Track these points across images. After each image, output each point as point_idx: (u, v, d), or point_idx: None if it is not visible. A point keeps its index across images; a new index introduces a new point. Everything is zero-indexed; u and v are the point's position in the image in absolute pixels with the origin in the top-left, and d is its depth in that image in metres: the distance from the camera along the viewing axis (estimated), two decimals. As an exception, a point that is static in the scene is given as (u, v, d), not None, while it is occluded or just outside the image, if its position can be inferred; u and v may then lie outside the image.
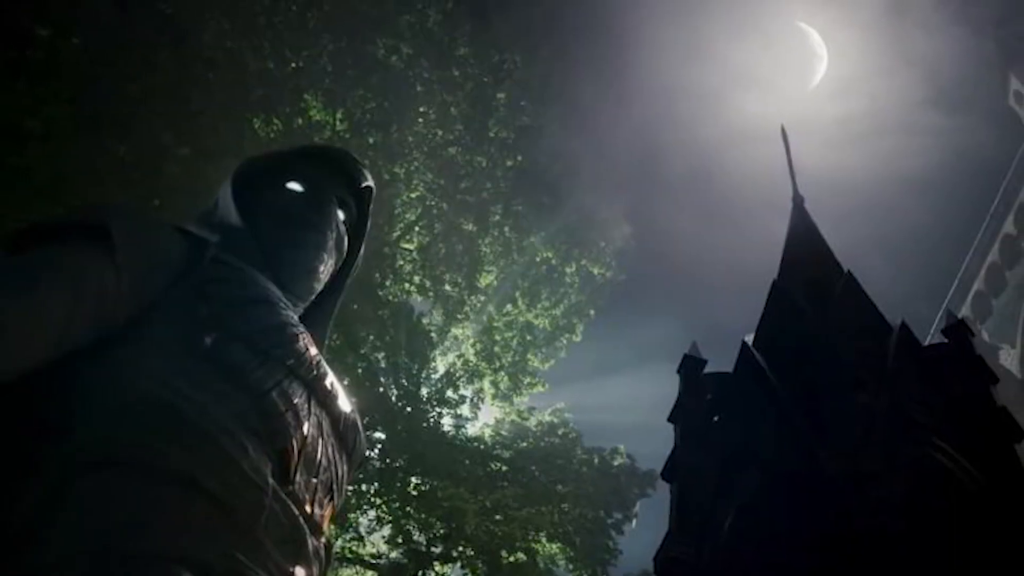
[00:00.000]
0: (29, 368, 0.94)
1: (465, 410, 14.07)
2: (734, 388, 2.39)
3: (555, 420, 15.28)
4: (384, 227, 12.04)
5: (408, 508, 11.91)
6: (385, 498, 12.09)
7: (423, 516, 11.72)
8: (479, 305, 14.44)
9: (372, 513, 12.24)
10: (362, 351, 12.09)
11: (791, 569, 1.83)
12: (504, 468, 13.95)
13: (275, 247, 1.35)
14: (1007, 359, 19.15)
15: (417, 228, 13.82)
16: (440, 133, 13.40)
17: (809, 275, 2.78)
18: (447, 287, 13.91)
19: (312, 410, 1.18)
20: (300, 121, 10.87)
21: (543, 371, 15.46)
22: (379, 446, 12.03)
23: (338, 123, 11.82)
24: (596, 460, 14.59)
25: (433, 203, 13.63)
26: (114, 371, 1.00)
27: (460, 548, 11.71)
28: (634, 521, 14.00)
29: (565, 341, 15.39)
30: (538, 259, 14.85)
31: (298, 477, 1.10)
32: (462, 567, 11.99)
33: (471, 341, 14.71)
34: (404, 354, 12.76)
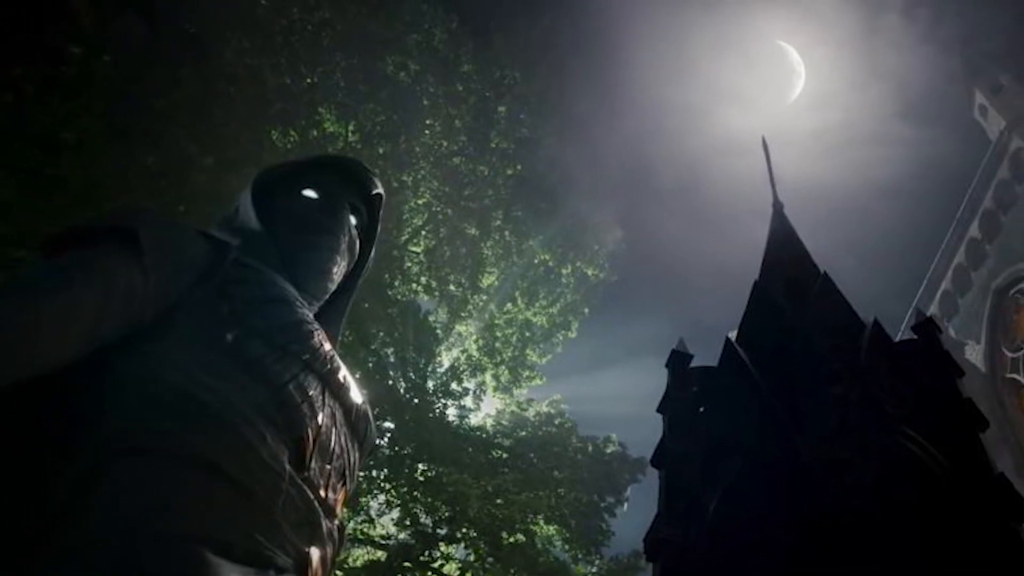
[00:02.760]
0: (64, 362, 0.94)
1: (468, 401, 14.08)
2: (718, 381, 2.38)
3: (552, 411, 15.27)
4: (393, 231, 12.04)
5: (415, 493, 11.90)
6: (394, 483, 12.09)
7: (429, 500, 11.71)
8: (481, 304, 14.45)
9: (382, 497, 12.23)
10: (373, 347, 12.08)
11: (771, 547, 1.83)
12: (504, 455, 13.94)
13: (292, 250, 1.35)
14: (972, 354, 19.14)
15: (424, 232, 13.82)
16: (445, 144, 13.42)
17: (788, 276, 2.77)
18: (451, 287, 13.92)
19: (326, 401, 1.18)
20: (315, 132, 10.87)
21: (541, 365, 15.49)
22: (388, 435, 12.02)
23: (350, 134, 11.82)
24: (590, 448, 14.58)
25: (438, 209, 13.64)
26: (142, 365, 1.00)
27: (464, 530, 11.70)
28: (625, 504, 14.00)
29: (561, 337, 15.40)
30: (536, 261, 14.86)
31: (313, 464, 1.10)
32: (465, 547, 11.98)
33: (474, 337, 14.72)
34: (411, 349, 12.76)
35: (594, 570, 13.21)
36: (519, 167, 13.94)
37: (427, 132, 13.20)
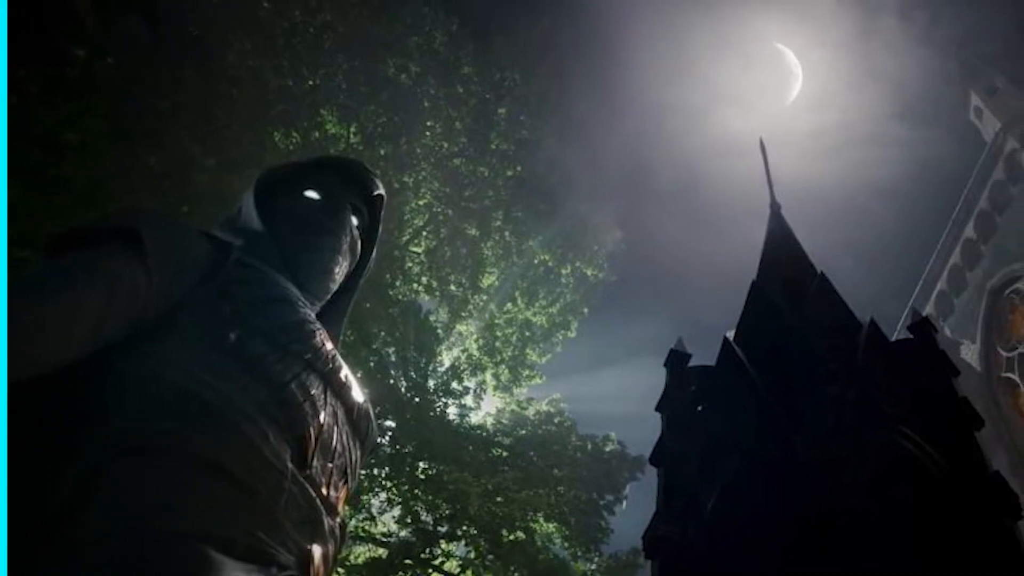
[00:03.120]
0: (67, 361, 0.94)
1: (469, 400, 14.09)
2: (716, 380, 2.38)
3: (552, 410, 15.28)
4: (394, 232, 12.04)
5: (416, 491, 11.91)
6: (395, 481, 12.09)
7: (430, 498, 11.71)
8: (481, 304, 14.46)
9: (383, 495, 12.23)
10: (374, 346, 12.08)
11: (768, 545, 1.83)
12: (505, 454, 13.95)
13: (294, 250, 1.35)
14: (967, 353, 19.13)
15: (424, 233, 13.83)
16: (446, 145, 13.42)
17: (785, 276, 2.78)
18: (452, 287, 13.92)
19: (328, 400, 1.18)
20: (317, 134, 10.87)
21: (541, 364, 15.50)
22: (389, 433, 12.03)
23: (352, 136, 11.83)
24: (589, 446, 14.58)
25: (439, 210, 13.65)
26: (145, 364, 1.00)
27: (464, 527, 11.70)
28: (624, 502, 14.00)
29: (561, 337, 15.41)
30: (536, 261, 14.86)
31: (315, 462, 1.10)
32: (466, 545, 11.98)
33: (474, 337, 14.72)
34: (412, 349, 12.76)
35: (593, 567, 13.22)
36: (519, 168, 13.95)
37: (428, 134, 13.21)
